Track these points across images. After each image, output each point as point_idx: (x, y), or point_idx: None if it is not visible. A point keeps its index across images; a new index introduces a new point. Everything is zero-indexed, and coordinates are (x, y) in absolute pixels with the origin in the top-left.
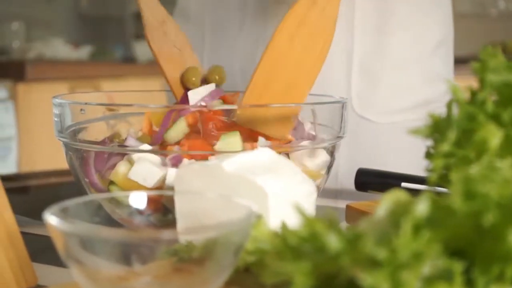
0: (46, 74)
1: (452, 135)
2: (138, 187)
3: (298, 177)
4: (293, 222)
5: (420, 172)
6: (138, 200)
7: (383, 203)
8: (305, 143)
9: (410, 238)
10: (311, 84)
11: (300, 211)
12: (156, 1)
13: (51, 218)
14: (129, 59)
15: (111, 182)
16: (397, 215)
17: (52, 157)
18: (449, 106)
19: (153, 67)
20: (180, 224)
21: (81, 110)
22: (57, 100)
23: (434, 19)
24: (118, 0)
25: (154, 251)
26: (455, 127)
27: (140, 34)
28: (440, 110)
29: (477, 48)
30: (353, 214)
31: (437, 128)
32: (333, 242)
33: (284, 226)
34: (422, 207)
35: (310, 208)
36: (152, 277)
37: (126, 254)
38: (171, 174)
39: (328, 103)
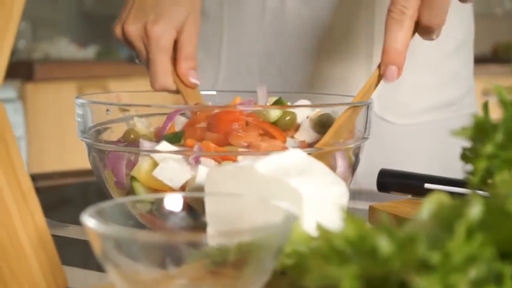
0: (54, 74)
1: (498, 136)
2: (162, 185)
3: (329, 178)
4: (328, 224)
5: (439, 173)
6: (171, 201)
7: (426, 206)
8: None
9: (463, 242)
10: None
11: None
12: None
13: (89, 220)
14: (133, 59)
15: (133, 178)
16: (444, 217)
17: (60, 158)
18: (485, 107)
19: None
20: (211, 226)
21: (107, 110)
22: (81, 101)
23: (455, 20)
24: (123, 0)
25: (190, 253)
26: (501, 128)
27: None
28: (461, 111)
29: (483, 48)
30: (376, 215)
31: (479, 129)
32: (384, 245)
33: (324, 229)
34: (475, 210)
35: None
36: (187, 279)
37: (163, 256)
38: (201, 174)
39: (354, 104)
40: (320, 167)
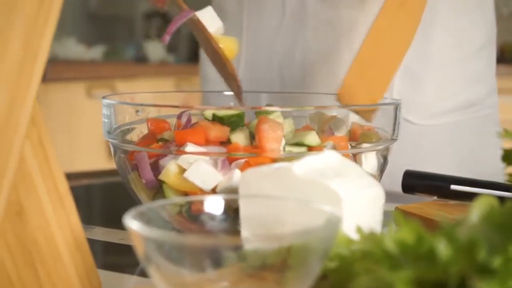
0: (63, 75)
1: None
2: (192, 187)
3: (365, 180)
4: (365, 226)
5: (460, 174)
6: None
7: (476, 209)
8: (365, 145)
9: None
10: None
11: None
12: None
13: (133, 223)
14: (141, 59)
15: (162, 181)
16: (498, 221)
17: (68, 159)
18: None
19: (164, 67)
20: (246, 229)
21: (137, 111)
22: (107, 101)
23: (478, 21)
24: (128, 0)
25: (229, 257)
26: None
27: (150, 34)
28: (483, 112)
29: None
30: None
31: None
32: (443, 249)
33: (373, 232)
34: None
35: (379, 212)
36: (229, 282)
37: (202, 259)
38: (236, 177)
39: (382, 105)
40: (355, 168)
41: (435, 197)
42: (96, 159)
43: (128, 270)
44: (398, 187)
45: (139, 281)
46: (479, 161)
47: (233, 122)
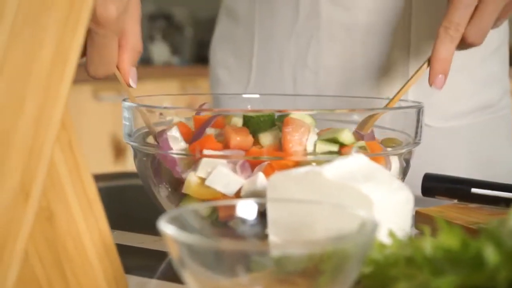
0: None
1: None
2: (214, 194)
3: (395, 184)
4: (397, 230)
5: (476, 176)
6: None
7: None
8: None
9: None
10: None
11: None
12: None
13: (169, 228)
14: (145, 61)
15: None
16: None
17: None
18: None
19: (168, 69)
20: (274, 234)
21: (160, 114)
22: (128, 104)
23: None
24: None
25: (259, 261)
26: None
27: (154, 36)
28: (497, 113)
29: None
30: (423, 219)
31: None
32: (491, 254)
33: (413, 237)
34: None
35: (408, 216)
36: (262, 287)
37: (241, 264)
38: (259, 181)
39: (404, 108)
40: (384, 172)
41: (455, 201)
42: (103, 161)
43: (147, 274)
44: (415, 190)
45: (159, 284)
46: (494, 162)
47: (263, 122)
